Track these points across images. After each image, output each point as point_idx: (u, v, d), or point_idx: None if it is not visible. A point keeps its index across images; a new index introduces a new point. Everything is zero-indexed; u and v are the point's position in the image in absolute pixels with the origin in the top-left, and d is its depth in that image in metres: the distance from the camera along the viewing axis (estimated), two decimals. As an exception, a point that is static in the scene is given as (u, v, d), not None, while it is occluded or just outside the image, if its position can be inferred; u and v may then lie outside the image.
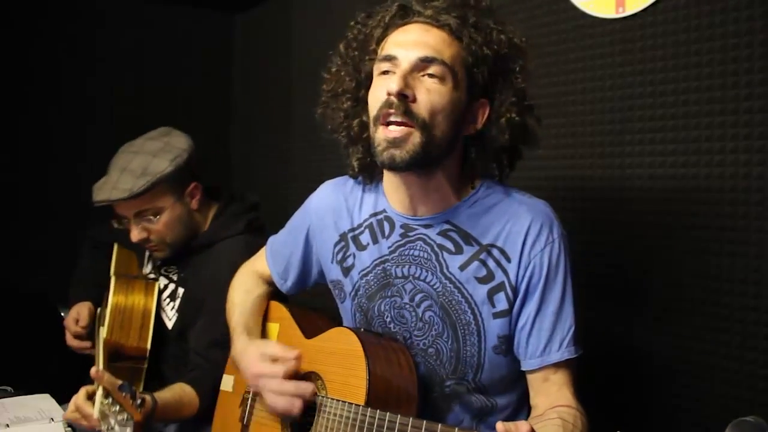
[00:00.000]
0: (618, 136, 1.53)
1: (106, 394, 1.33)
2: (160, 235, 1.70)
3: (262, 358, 1.28)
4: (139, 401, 1.27)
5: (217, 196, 1.84)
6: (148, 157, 1.66)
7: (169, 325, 1.76)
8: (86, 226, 2.06)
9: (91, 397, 1.42)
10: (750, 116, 1.31)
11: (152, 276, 1.83)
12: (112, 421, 1.29)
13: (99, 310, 1.89)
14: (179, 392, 1.54)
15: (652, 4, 1.44)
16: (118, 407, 1.28)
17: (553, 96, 1.66)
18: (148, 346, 1.70)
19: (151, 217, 1.67)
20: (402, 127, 1.10)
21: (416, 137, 1.10)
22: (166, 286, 1.79)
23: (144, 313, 1.72)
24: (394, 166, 1.13)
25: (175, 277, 1.79)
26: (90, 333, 1.87)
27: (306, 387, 1.21)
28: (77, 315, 1.88)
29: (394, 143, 1.10)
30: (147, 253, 1.88)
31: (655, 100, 1.46)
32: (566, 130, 1.64)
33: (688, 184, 1.40)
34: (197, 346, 1.63)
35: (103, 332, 1.69)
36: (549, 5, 1.67)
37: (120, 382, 1.33)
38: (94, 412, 1.37)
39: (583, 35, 1.59)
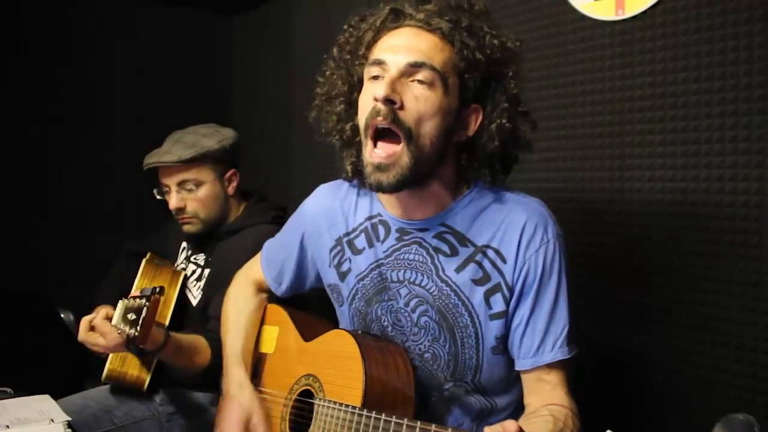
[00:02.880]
0: (618, 137, 1.53)
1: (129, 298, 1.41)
2: (195, 208, 1.83)
3: (242, 424, 1.29)
4: (158, 288, 1.32)
5: (249, 198, 1.97)
6: (198, 136, 1.85)
7: (194, 302, 1.83)
8: (121, 237, 2.11)
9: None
10: (749, 118, 1.31)
11: (182, 265, 1.92)
12: (131, 314, 1.35)
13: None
14: (194, 339, 1.62)
15: (652, 7, 1.45)
16: (138, 298, 1.35)
17: (553, 98, 1.66)
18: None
19: (192, 187, 1.82)
20: (389, 146, 1.09)
21: (404, 158, 1.09)
22: (193, 272, 1.89)
23: (164, 301, 1.77)
24: (382, 190, 1.13)
25: (202, 263, 1.88)
26: None
27: None
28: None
29: (380, 168, 1.10)
30: (180, 248, 1.96)
31: (655, 102, 1.46)
32: (566, 131, 1.64)
33: (688, 185, 1.41)
34: (216, 313, 1.65)
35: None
36: (549, 7, 1.67)
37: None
38: (115, 317, 1.46)
39: (583, 37, 1.60)
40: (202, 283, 1.84)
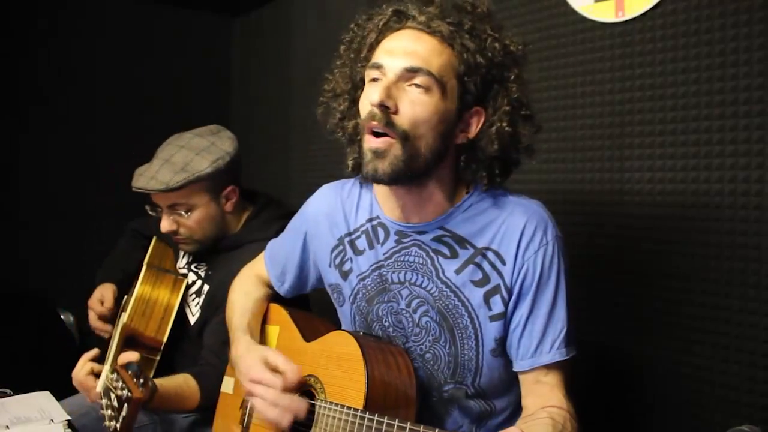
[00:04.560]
0: (617, 139, 1.54)
1: (113, 370, 1.35)
2: (189, 230, 1.72)
3: (263, 364, 1.27)
4: (142, 380, 1.29)
5: (254, 200, 1.85)
6: (191, 154, 1.69)
7: (192, 320, 1.77)
8: (94, 226, 2.09)
9: (96, 375, 1.46)
10: (749, 120, 1.31)
11: (184, 271, 1.85)
12: (113, 396, 1.30)
13: (125, 297, 1.91)
14: (181, 383, 1.54)
15: (652, 9, 1.45)
16: (121, 383, 1.30)
17: (552, 100, 1.66)
18: (165, 339, 1.71)
19: (183, 212, 1.69)
20: (383, 138, 1.10)
21: (397, 149, 1.10)
22: (194, 282, 1.81)
23: (167, 308, 1.74)
24: (377, 179, 1.12)
25: (203, 274, 1.81)
26: (112, 317, 1.89)
27: (300, 404, 1.19)
28: (101, 296, 1.90)
29: (377, 154, 1.10)
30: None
31: (655, 104, 1.46)
32: (566, 134, 1.65)
33: (688, 187, 1.41)
34: (210, 343, 1.64)
35: (124, 317, 1.71)
36: (549, 9, 1.67)
37: (132, 360, 1.36)
38: (98, 386, 1.41)
39: (583, 39, 1.60)
40: (201, 300, 1.77)
